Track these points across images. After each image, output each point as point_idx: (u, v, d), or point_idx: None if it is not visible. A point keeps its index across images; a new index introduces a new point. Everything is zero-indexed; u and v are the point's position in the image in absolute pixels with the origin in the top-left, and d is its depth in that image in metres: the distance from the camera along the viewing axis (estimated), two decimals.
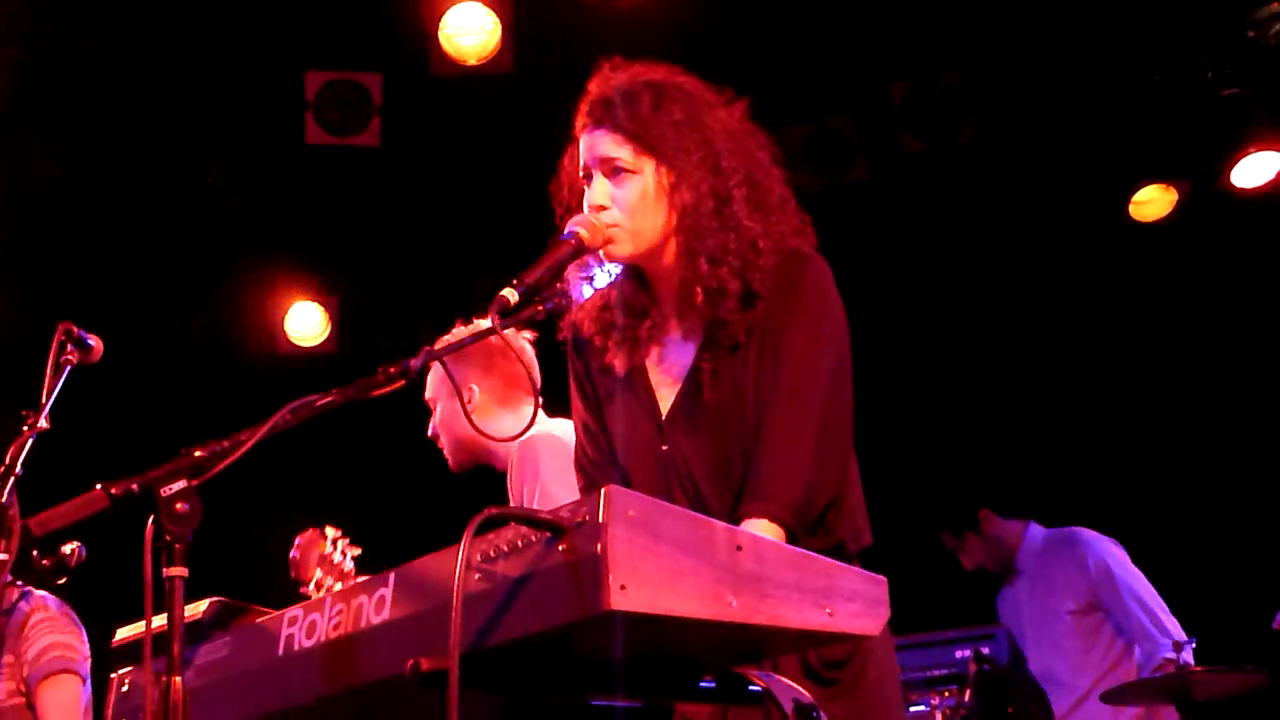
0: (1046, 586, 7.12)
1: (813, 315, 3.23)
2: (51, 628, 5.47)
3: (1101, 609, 6.96)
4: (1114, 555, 7.02)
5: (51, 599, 5.58)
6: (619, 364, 3.37)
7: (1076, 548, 7.10)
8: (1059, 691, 6.95)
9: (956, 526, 7.31)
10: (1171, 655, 6.40)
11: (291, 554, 4.84)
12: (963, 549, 7.30)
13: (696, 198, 3.23)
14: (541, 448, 4.57)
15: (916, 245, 8.74)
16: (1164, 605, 6.86)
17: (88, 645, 5.52)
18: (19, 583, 5.51)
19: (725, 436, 3.22)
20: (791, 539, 3.01)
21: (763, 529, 3.00)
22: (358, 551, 4.78)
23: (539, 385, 4.68)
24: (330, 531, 4.83)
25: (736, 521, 3.04)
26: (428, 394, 4.94)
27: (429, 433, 5.01)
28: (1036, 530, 7.29)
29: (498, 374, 4.90)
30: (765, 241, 3.25)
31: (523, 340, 4.76)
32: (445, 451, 4.93)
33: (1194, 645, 6.59)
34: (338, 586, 4.65)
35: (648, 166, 3.24)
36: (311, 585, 4.74)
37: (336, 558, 4.79)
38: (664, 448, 3.30)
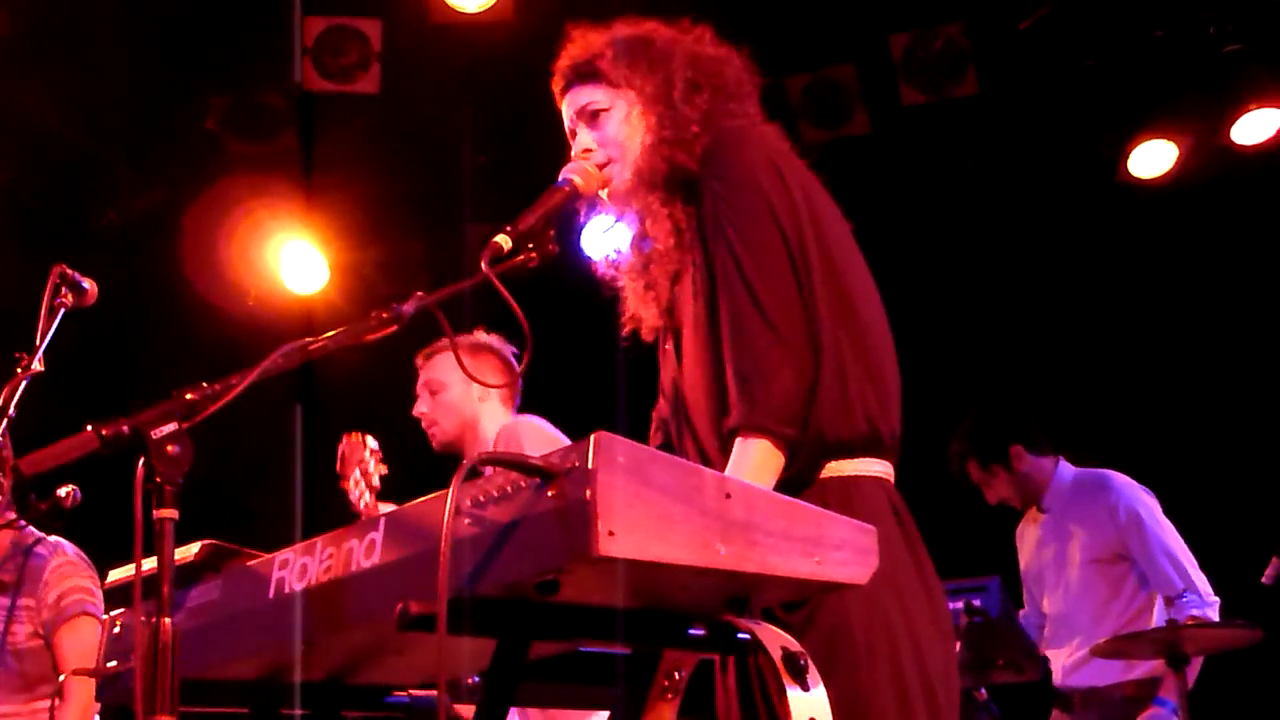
0: (1072, 530, 6.92)
1: (729, 197, 3.18)
2: (71, 572, 5.55)
3: (1128, 559, 6.74)
4: (1145, 505, 6.78)
5: (68, 545, 5.65)
6: (655, 323, 3.41)
7: (1108, 494, 6.84)
8: (1074, 639, 6.80)
9: (986, 459, 7.13)
10: (1198, 612, 6.34)
11: (340, 448, 5.38)
12: (988, 483, 7.13)
13: (655, 104, 3.30)
14: (524, 429, 5.10)
15: (918, 197, 8.73)
16: (1194, 561, 6.64)
17: (100, 590, 5.58)
18: (32, 529, 5.59)
19: (702, 350, 3.20)
20: (791, 449, 3.00)
21: (756, 450, 2.98)
22: (385, 470, 5.27)
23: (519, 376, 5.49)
24: (371, 442, 5.37)
25: (729, 441, 3.03)
26: (433, 376, 5.57)
27: (416, 411, 5.62)
28: (1066, 469, 7.05)
29: (504, 378, 5.56)
30: (699, 126, 3.28)
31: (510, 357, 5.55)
32: (434, 430, 5.58)
33: (1218, 603, 6.53)
34: (366, 497, 5.23)
35: (617, 98, 3.35)
36: (351, 483, 5.29)
37: (371, 468, 5.32)
38: (675, 376, 3.32)
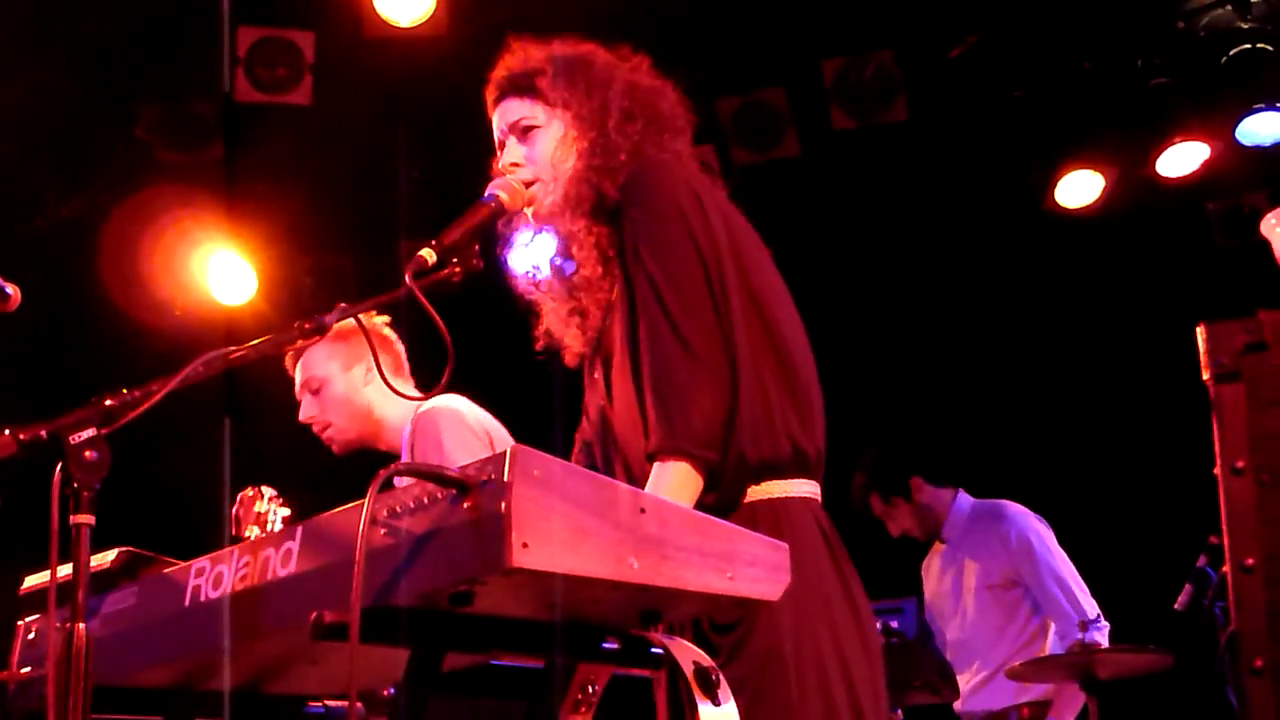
0: (968, 558, 7.08)
1: (645, 229, 3.20)
2: None
3: (1020, 585, 6.91)
4: (1037, 532, 6.96)
5: None
6: (580, 349, 3.42)
7: (1001, 522, 7.02)
8: (972, 664, 6.94)
9: (887, 492, 7.25)
10: (1079, 635, 6.45)
11: (233, 510, 4.94)
12: (890, 515, 7.26)
13: (588, 130, 3.31)
14: (442, 418, 4.70)
15: (844, 222, 8.80)
16: (1084, 587, 6.82)
17: None
18: None
19: (627, 378, 3.22)
20: (713, 471, 3.03)
21: (674, 472, 3.00)
22: (287, 512, 4.98)
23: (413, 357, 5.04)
24: (266, 490, 4.92)
25: (650, 462, 3.05)
26: (310, 374, 5.08)
27: (303, 417, 5.16)
28: (965, 500, 7.21)
29: (390, 353, 5.09)
30: (627, 156, 3.30)
31: (384, 329, 5.09)
32: (330, 433, 5.09)
33: (1107, 628, 6.65)
34: None
35: (549, 115, 3.36)
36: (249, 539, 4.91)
37: (270, 516, 4.94)
38: (603, 404, 3.33)
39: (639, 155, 3.30)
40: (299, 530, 2.56)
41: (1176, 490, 8.02)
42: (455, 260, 3.02)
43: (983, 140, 8.41)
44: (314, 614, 2.29)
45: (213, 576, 2.68)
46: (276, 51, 7.71)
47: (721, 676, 2.55)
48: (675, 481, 2.99)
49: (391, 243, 8.59)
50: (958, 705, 6.99)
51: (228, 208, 8.50)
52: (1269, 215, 3.06)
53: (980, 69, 8.03)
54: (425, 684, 2.49)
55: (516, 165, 3.33)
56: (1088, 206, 8.49)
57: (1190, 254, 8.68)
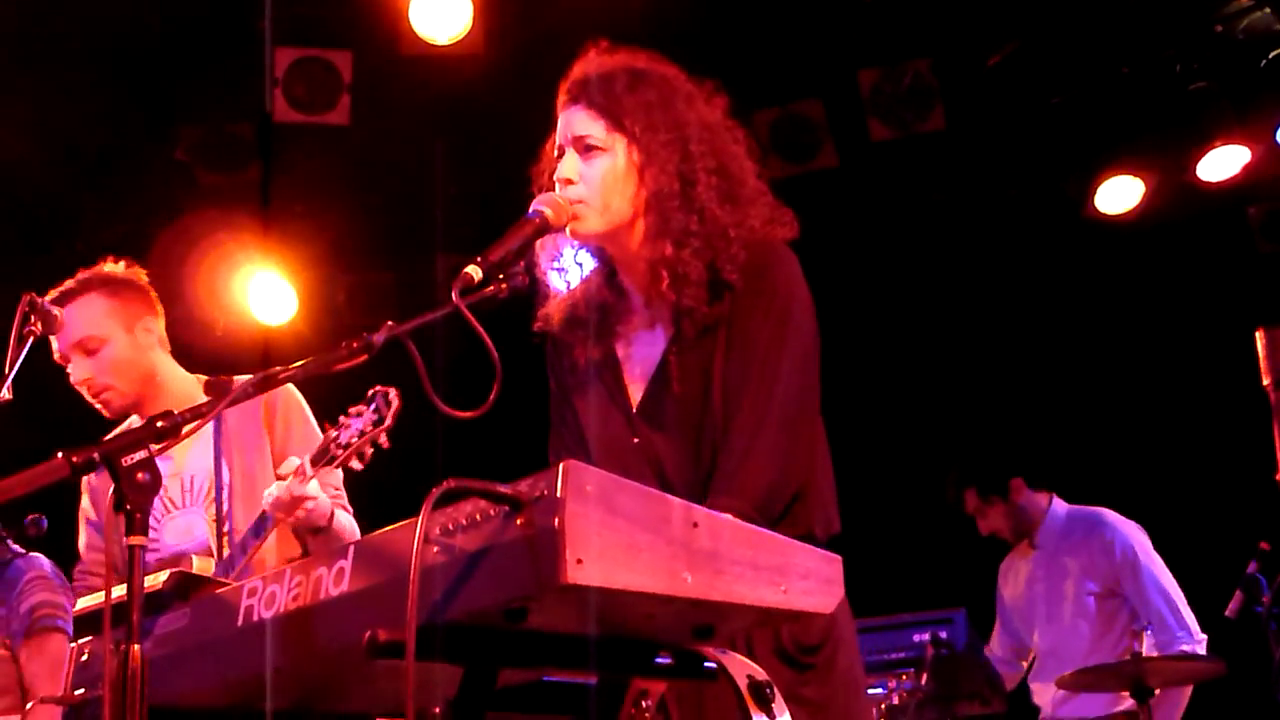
0: (1067, 564, 7.06)
1: (781, 308, 3.24)
2: (44, 586, 5.53)
3: (1120, 594, 6.90)
4: (1140, 543, 6.95)
5: (46, 561, 5.63)
6: (590, 357, 3.40)
7: (1104, 530, 7.01)
8: (1064, 671, 6.86)
9: (986, 489, 7.24)
10: (1188, 648, 6.47)
11: None
12: (984, 513, 7.25)
13: (664, 178, 3.25)
14: (295, 394, 4.64)
15: (884, 233, 8.78)
16: (1183, 597, 6.82)
17: (73, 609, 5.56)
18: (10, 545, 5.59)
19: (694, 428, 3.23)
20: None
21: None
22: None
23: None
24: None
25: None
26: (87, 333, 4.73)
27: (78, 379, 4.80)
28: (1060, 505, 7.21)
29: (157, 313, 4.89)
30: (735, 231, 3.26)
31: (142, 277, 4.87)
32: (108, 395, 4.76)
33: (1204, 640, 6.67)
34: None
35: (618, 145, 3.27)
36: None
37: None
38: (635, 440, 3.31)
39: (751, 233, 3.29)
40: (351, 549, 2.56)
41: (1222, 496, 8.00)
42: (501, 277, 3.00)
43: (1021, 148, 8.39)
44: (368, 632, 2.29)
45: (265, 596, 2.68)
46: (314, 72, 7.74)
47: (776, 690, 2.54)
48: None
49: (430, 260, 8.61)
50: (1047, 712, 7.00)
51: (267, 228, 8.53)
52: None
53: (1017, 76, 8.02)
54: (479, 701, 2.48)
55: (570, 181, 3.29)
56: (1128, 212, 8.47)
57: (1232, 259, 8.63)
